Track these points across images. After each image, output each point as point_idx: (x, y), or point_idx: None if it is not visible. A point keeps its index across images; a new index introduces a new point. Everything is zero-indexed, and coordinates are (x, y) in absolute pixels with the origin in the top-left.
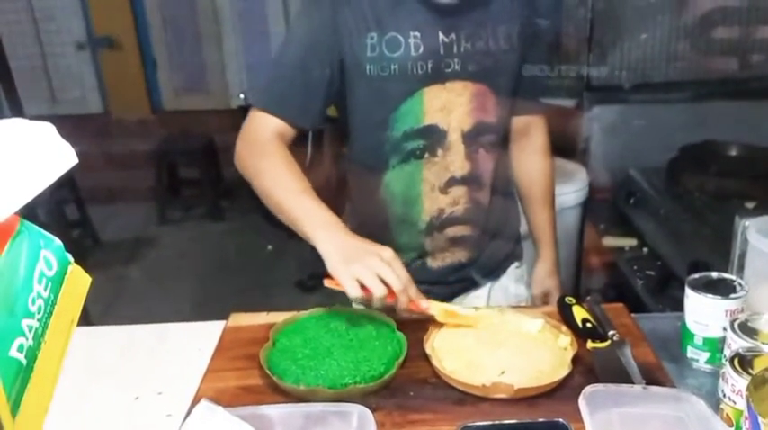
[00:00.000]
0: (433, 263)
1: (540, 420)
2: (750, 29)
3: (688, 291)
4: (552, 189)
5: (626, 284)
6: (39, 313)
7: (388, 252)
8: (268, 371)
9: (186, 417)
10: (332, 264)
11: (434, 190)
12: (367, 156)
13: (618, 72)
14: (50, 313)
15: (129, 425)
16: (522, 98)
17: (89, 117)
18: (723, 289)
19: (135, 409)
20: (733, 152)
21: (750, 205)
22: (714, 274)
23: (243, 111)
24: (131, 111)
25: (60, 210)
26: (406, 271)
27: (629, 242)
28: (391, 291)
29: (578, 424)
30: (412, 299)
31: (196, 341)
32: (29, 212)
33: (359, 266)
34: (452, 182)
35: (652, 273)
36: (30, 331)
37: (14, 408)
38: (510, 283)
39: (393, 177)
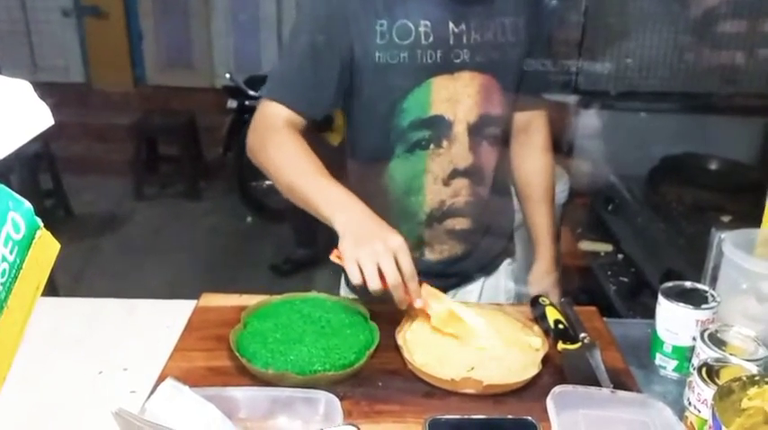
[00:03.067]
0: (431, 255)
1: (509, 417)
2: (737, 48)
3: (661, 298)
4: (552, 187)
5: (599, 289)
6: (2, 277)
7: (395, 240)
8: (237, 354)
9: (151, 395)
10: (344, 243)
11: (437, 181)
12: (370, 145)
13: (606, 78)
14: (15, 278)
15: (91, 400)
16: (525, 93)
17: (70, 86)
18: (695, 299)
19: (98, 384)
20: (713, 166)
21: (726, 219)
22: (687, 284)
23: (228, 91)
24: (113, 82)
25: (34, 178)
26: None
27: (604, 247)
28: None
29: (545, 423)
30: (409, 293)
31: (165, 319)
32: (0, 176)
33: (364, 252)
34: (455, 173)
35: (625, 279)
36: None
37: None
38: (502, 279)
39: (396, 167)
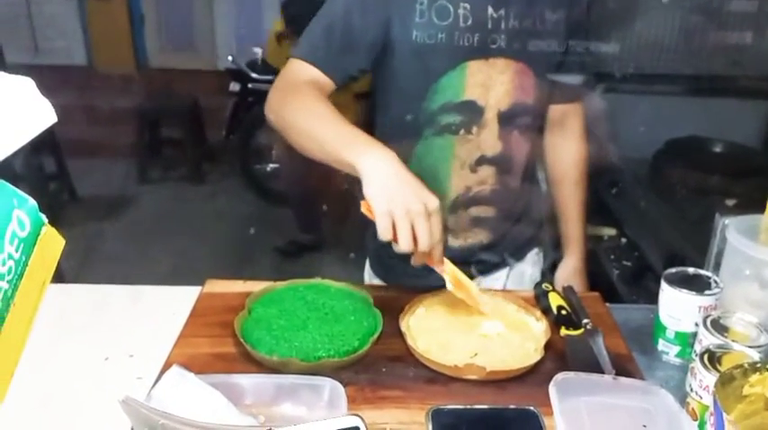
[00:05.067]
0: (455, 241)
1: (511, 407)
2: (743, 29)
3: (663, 284)
4: (584, 183)
5: (602, 273)
6: (9, 275)
7: (433, 202)
8: (242, 340)
9: (156, 382)
10: (372, 189)
11: (464, 167)
12: (398, 127)
13: (610, 60)
14: (21, 275)
15: (97, 386)
16: (561, 85)
17: (72, 68)
18: (698, 285)
19: (104, 370)
20: (717, 149)
21: (730, 202)
22: (690, 270)
23: (230, 74)
24: (116, 65)
25: (38, 161)
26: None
27: (608, 231)
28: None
29: (547, 409)
30: (432, 257)
31: (170, 305)
32: (3, 162)
33: (399, 208)
34: (482, 161)
35: (629, 263)
36: None
37: None
38: (528, 268)
39: (423, 150)
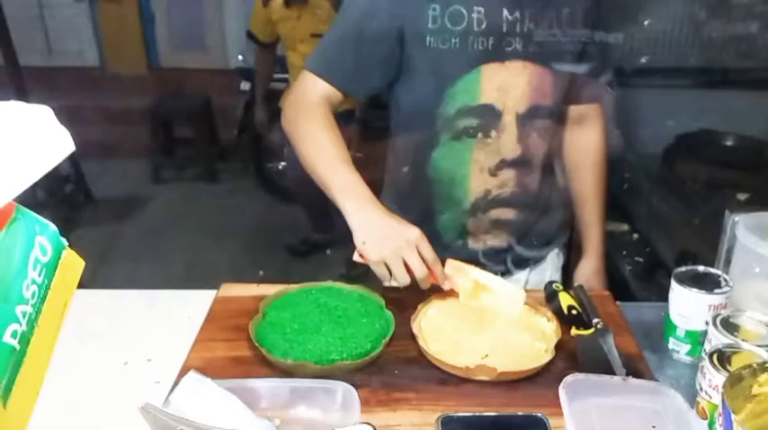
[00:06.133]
0: (475, 244)
1: (519, 413)
2: (753, 20)
3: (673, 283)
4: (603, 183)
5: (614, 269)
6: (32, 299)
7: (413, 233)
8: (257, 344)
9: (174, 387)
10: (359, 240)
11: (483, 171)
12: (416, 131)
13: (619, 54)
14: (44, 298)
15: (117, 390)
16: (581, 86)
17: (84, 70)
18: (708, 283)
19: (124, 375)
20: (729, 142)
21: (742, 196)
22: (700, 268)
23: (241, 73)
24: (127, 66)
25: None
26: (445, 250)
27: (619, 227)
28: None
29: (557, 409)
30: (435, 277)
31: (186, 308)
32: None
33: (388, 252)
34: (502, 164)
35: (640, 259)
36: (23, 317)
37: (6, 392)
38: (548, 270)
39: (442, 154)
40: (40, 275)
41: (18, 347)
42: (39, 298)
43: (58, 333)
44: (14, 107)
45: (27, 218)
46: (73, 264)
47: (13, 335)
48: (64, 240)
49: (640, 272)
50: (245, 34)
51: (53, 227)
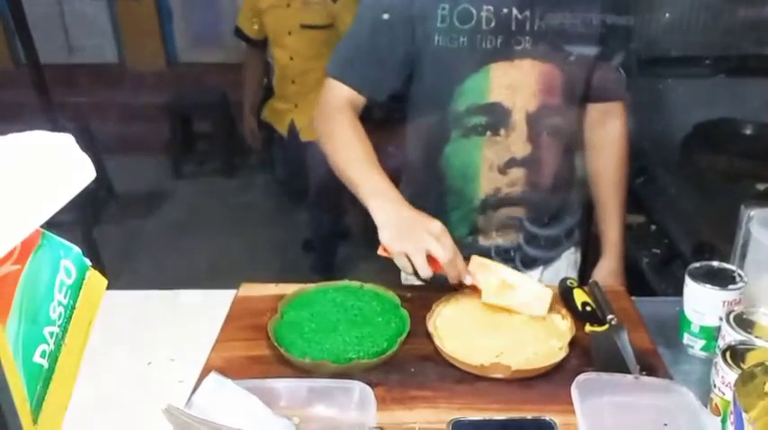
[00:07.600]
0: (485, 241)
1: (529, 417)
2: None
3: (687, 279)
4: (624, 184)
5: (631, 261)
6: (59, 319)
7: (436, 225)
8: (275, 344)
9: (196, 387)
10: (384, 236)
11: (493, 169)
12: (427, 128)
13: (636, 43)
14: (70, 318)
15: (141, 390)
16: (601, 85)
17: (104, 67)
18: (722, 279)
19: (148, 375)
20: (748, 131)
21: (762, 186)
22: (715, 264)
23: None
24: (146, 62)
25: None
26: (456, 245)
27: (637, 219)
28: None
29: (572, 407)
30: (459, 271)
31: (207, 308)
32: None
33: (410, 244)
34: (512, 163)
35: (658, 251)
36: (51, 337)
37: (36, 409)
38: (563, 268)
39: (452, 151)
40: (65, 297)
41: (47, 366)
42: (65, 318)
43: (83, 350)
44: (38, 137)
45: (52, 243)
46: (96, 283)
47: (42, 355)
48: (87, 261)
49: (657, 263)
50: (234, 32)
51: (77, 249)
